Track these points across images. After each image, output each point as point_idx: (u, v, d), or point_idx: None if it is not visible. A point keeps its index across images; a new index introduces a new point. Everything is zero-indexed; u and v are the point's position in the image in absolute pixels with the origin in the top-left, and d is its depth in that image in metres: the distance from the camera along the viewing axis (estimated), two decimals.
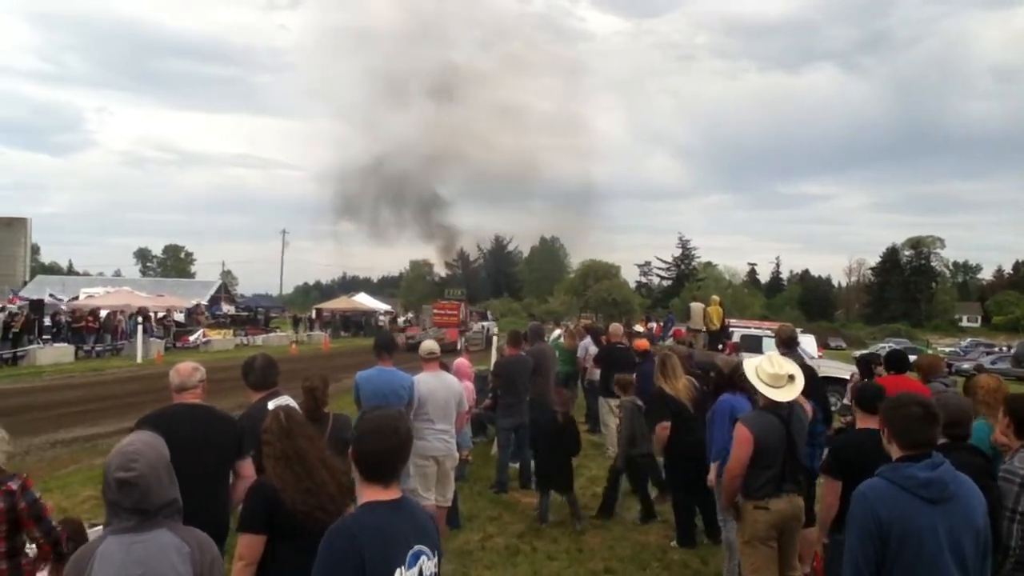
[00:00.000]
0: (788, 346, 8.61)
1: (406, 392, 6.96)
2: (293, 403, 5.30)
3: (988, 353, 42.40)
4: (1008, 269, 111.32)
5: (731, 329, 21.53)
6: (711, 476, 6.63)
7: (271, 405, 5.17)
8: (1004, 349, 45.65)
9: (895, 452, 3.28)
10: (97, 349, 30.60)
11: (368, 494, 2.77)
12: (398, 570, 2.64)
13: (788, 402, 5.18)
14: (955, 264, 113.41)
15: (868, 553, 3.09)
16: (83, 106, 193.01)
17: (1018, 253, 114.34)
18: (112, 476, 2.55)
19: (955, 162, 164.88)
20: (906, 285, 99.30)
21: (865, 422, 4.96)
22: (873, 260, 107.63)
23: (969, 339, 66.36)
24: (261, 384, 5.34)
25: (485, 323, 41.88)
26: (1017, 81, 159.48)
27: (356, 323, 56.38)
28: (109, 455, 2.65)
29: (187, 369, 4.80)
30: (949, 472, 3.17)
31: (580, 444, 8.48)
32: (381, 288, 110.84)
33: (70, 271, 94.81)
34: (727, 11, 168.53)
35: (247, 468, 4.63)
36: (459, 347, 30.19)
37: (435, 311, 40.87)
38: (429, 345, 7.59)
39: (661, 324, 29.48)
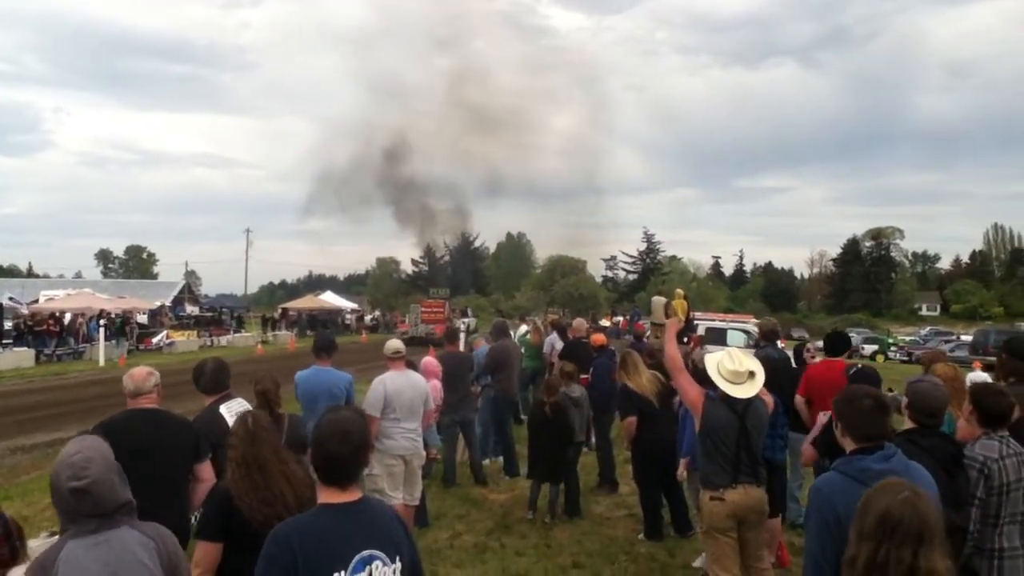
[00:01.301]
0: (769, 339, 8.76)
1: (341, 392, 6.98)
2: (248, 405, 5.30)
3: (947, 341, 43.18)
4: (965, 259, 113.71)
5: (696, 322, 21.73)
6: (680, 470, 6.72)
7: (223, 408, 5.18)
8: (960, 337, 46.58)
9: (849, 445, 3.37)
10: (58, 353, 30.13)
11: (324, 496, 2.75)
12: (336, 575, 2.61)
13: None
14: (914, 254, 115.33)
15: (827, 548, 3.11)
16: (41, 106, 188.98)
17: (975, 243, 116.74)
18: (65, 487, 2.55)
19: (913, 154, 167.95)
20: (867, 275, 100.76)
21: None
22: (834, 251, 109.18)
23: (928, 327, 67.56)
24: (212, 388, 5.33)
25: (466, 319, 44.09)
26: (971, 75, 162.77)
27: (323, 322, 56.02)
28: (55, 465, 2.63)
29: (141, 374, 4.75)
30: (901, 463, 3.27)
31: (571, 435, 8.52)
32: (348, 286, 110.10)
33: (30, 273, 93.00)
34: (687, 7, 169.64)
35: (206, 471, 4.63)
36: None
37: (423, 309, 44.54)
38: (394, 344, 7.59)
39: (627, 318, 29.75)
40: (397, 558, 2.76)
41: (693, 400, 5.42)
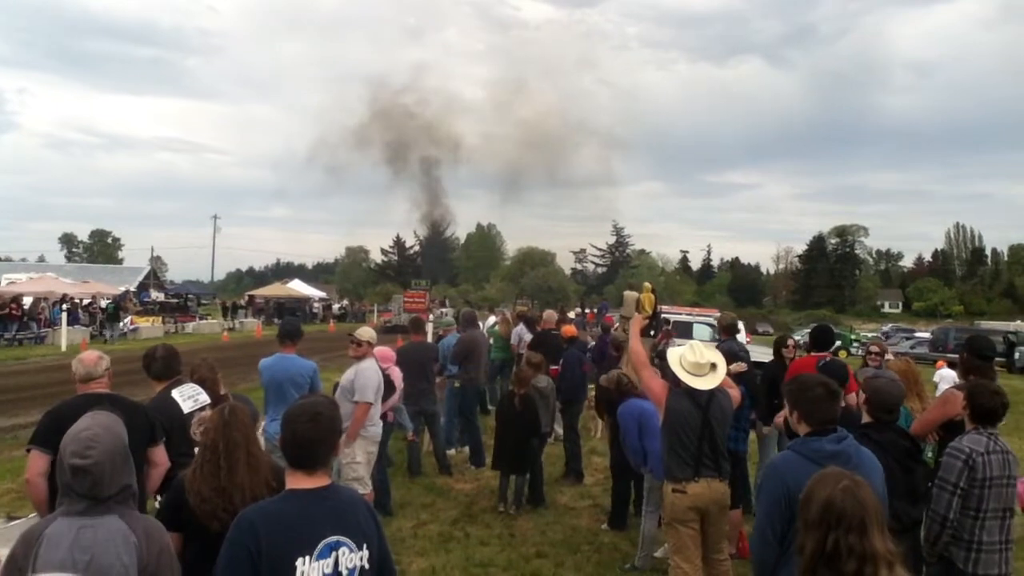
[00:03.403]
0: (729, 333, 8.84)
1: (305, 379, 6.95)
2: (201, 390, 5.32)
3: (908, 338, 43.88)
4: (927, 257, 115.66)
5: (664, 315, 21.87)
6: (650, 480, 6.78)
7: (175, 393, 5.16)
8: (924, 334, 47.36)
9: (803, 430, 3.53)
10: (19, 337, 29.62)
11: (292, 482, 2.73)
12: (301, 559, 2.58)
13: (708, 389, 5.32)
14: (878, 252, 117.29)
15: (775, 520, 3.30)
16: (3, 87, 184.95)
17: (937, 242, 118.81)
18: (67, 462, 2.52)
19: (878, 153, 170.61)
20: (831, 272, 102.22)
21: None
22: (800, 248, 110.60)
23: (890, 324, 68.48)
24: (163, 374, 5.29)
25: (444, 309, 45.82)
26: (934, 76, 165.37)
27: (290, 310, 55.54)
28: (65, 437, 2.60)
29: (92, 358, 4.68)
30: (853, 446, 3.45)
31: (538, 427, 8.55)
32: (316, 275, 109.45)
33: None
34: (657, 2, 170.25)
35: (159, 455, 4.59)
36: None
37: (405, 299, 46.72)
38: (370, 332, 7.53)
39: (594, 311, 29.96)
40: (365, 546, 2.74)
41: (657, 393, 5.47)
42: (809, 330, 9.47)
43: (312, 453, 2.73)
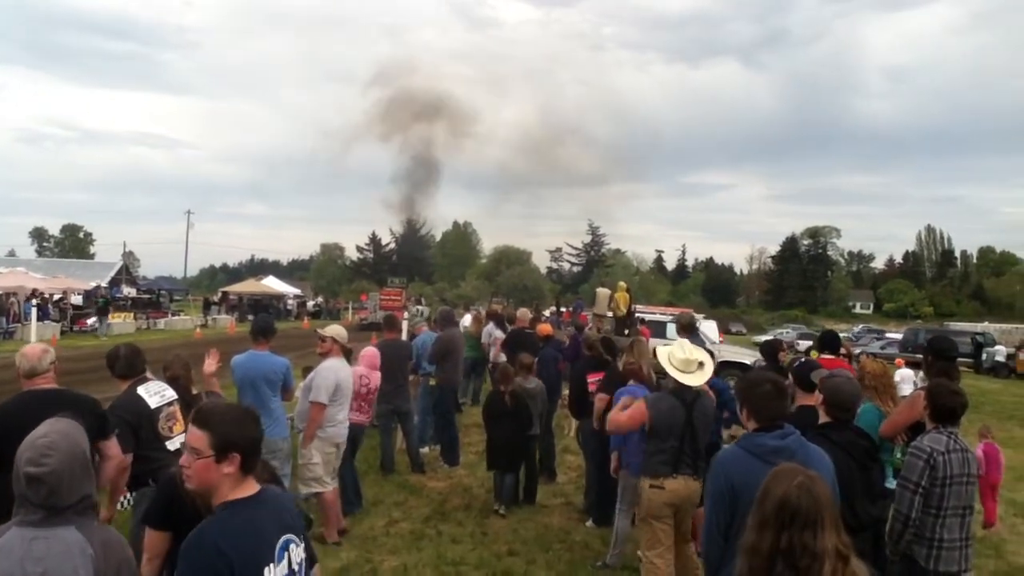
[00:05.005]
0: (688, 331, 8.89)
1: (278, 377, 6.93)
2: (166, 386, 5.32)
3: (878, 339, 44.34)
4: (898, 259, 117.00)
5: (637, 315, 21.96)
6: (613, 464, 6.83)
7: (140, 390, 5.14)
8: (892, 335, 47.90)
9: (751, 426, 3.62)
10: None
11: (236, 490, 2.60)
12: (267, 568, 2.53)
13: (695, 388, 5.44)
14: (850, 253, 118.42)
15: (720, 514, 3.39)
16: None
17: (908, 243, 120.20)
18: (22, 470, 2.43)
19: (850, 156, 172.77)
20: (804, 273, 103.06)
21: (803, 399, 5.25)
22: (773, 249, 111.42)
23: (861, 325, 69.18)
24: (128, 373, 5.25)
25: (419, 307, 45.84)
26: (905, 81, 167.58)
27: (264, 307, 55.19)
28: (22, 444, 2.50)
29: (36, 352, 4.52)
30: (797, 442, 3.50)
31: (530, 424, 8.50)
32: (291, 272, 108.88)
33: None
34: (633, 3, 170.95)
35: (112, 449, 4.51)
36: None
37: (382, 297, 47.75)
38: (337, 329, 7.51)
39: (570, 310, 30.03)
40: (301, 538, 2.77)
41: (637, 417, 5.58)
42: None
43: (254, 460, 2.64)
